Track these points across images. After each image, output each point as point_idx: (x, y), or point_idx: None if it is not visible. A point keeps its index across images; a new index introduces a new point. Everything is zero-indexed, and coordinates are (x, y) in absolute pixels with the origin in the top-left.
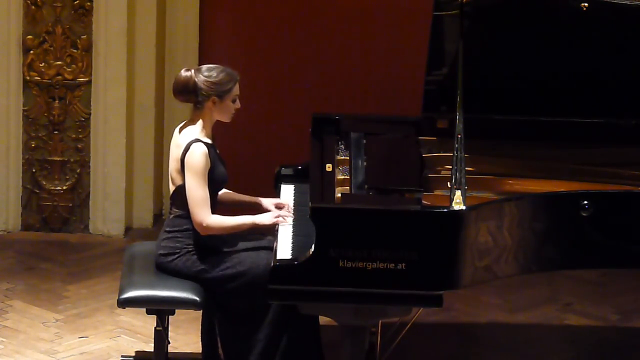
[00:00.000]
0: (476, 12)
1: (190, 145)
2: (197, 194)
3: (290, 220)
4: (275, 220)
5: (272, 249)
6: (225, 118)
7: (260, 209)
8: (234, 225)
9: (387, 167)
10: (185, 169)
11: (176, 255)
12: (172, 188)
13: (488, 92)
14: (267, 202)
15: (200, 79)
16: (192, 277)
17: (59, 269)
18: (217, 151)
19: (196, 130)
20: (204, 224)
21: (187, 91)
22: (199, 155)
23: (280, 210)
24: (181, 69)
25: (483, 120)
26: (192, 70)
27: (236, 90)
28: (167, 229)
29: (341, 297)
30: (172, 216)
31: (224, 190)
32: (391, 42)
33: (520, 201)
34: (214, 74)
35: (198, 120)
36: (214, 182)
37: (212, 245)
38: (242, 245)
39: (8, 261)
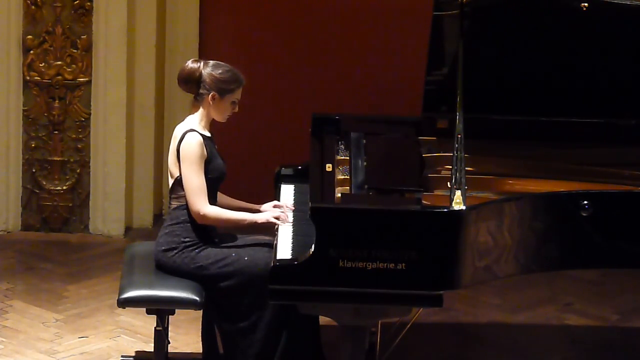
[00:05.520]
0: (476, 12)
1: (184, 135)
2: (193, 182)
3: (290, 218)
4: (274, 219)
5: (271, 249)
6: (220, 118)
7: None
8: (231, 219)
9: (387, 167)
10: (180, 159)
11: (175, 251)
12: (170, 182)
13: (488, 92)
14: (265, 206)
15: (206, 71)
16: (191, 274)
17: (59, 269)
18: (216, 146)
19: (193, 122)
20: (201, 213)
21: (191, 81)
22: (193, 144)
23: (279, 209)
24: (187, 62)
25: (483, 120)
26: (201, 62)
27: (238, 94)
28: (166, 224)
29: (341, 297)
30: (171, 209)
31: (223, 196)
32: (391, 42)
33: (520, 201)
34: (220, 70)
35: (196, 113)
36: (212, 174)
37: (211, 240)
38: (241, 243)
39: (8, 261)
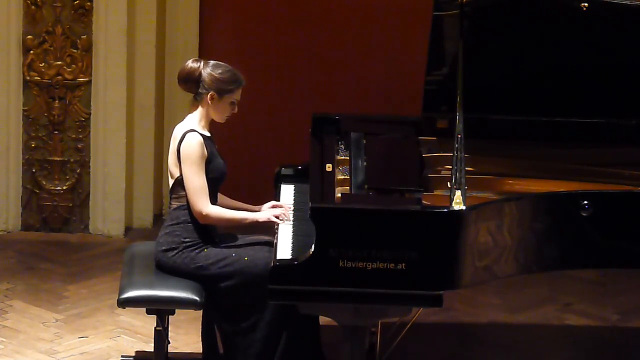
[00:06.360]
0: (476, 12)
1: (185, 135)
2: (195, 182)
3: (290, 216)
4: (273, 218)
5: (271, 249)
6: (219, 118)
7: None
8: (233, 219)
9: (387, 167)
10: (181, 160)
11: (175, 251)
12: (171, 182)
13: (488, 92)
14: (265, 206)
15: (205, 71)
16: (191, 274)
17: (59, 269)
18: (216, 146)
19: (193, 122)
20: (203, 213)
21: (191, 80)
22: (194, 144)
23: (279, 208)
24: (187, 62)
25: (483, 120)
26: (201, 62)
27: (237, 94)
28: (167, 224)
29: (341, 297)
30: (171, 209)
31: (223, 197)
32: (391, 42)
33: (520, 201)
34: (219, 70)
35: (196, 113)
36: (212, 174)
37: (211, 240)
38: (241, 243)
39: (8, 261)
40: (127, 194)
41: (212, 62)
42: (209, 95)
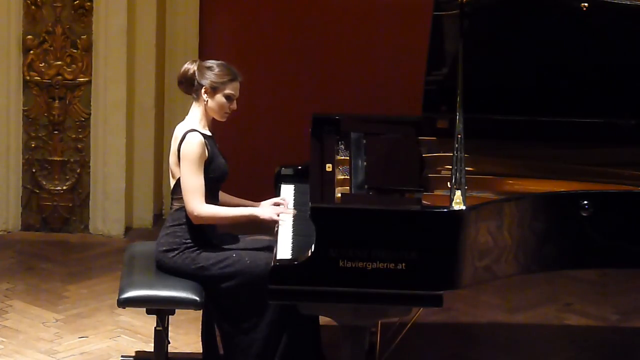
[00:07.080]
0: (476, 12)
1: (185, 135)
2: (190, 181)
3: (291, 218)
4: (276, 217)
5: (272, 249)
6: (218, 115)
7: None
8: (228, 217)
9: (387, 167)
10: (180, 159)
11: (175, 252)
12: (172, 183)
13: (488, 92)
14: (265, 203)
15: (199, 69)
16: (191, 275)
17: (59, 269)
18: (217, 145)
19: (194, 121)
20: (195, 213)
21: (186, 80)
22: (194, 144)
23: (281, 208)
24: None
25: (483, 120)
26: (196, 62)
27: (232, 88)
28: (167, 224)
29: (341, 297)
30: (172, 210)
31: (223, 194)
32: (391, 42)
33: (520, 201)
34: (213, 65)
35: (196, 112)
36: (214, 174)
37: (212, 241)
38: (242, 243)
39: (8, 261)
40: (127, 194)
41: (208, 60)
42: (203, 91)
